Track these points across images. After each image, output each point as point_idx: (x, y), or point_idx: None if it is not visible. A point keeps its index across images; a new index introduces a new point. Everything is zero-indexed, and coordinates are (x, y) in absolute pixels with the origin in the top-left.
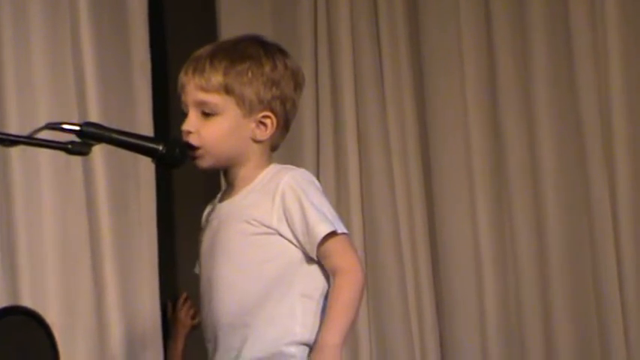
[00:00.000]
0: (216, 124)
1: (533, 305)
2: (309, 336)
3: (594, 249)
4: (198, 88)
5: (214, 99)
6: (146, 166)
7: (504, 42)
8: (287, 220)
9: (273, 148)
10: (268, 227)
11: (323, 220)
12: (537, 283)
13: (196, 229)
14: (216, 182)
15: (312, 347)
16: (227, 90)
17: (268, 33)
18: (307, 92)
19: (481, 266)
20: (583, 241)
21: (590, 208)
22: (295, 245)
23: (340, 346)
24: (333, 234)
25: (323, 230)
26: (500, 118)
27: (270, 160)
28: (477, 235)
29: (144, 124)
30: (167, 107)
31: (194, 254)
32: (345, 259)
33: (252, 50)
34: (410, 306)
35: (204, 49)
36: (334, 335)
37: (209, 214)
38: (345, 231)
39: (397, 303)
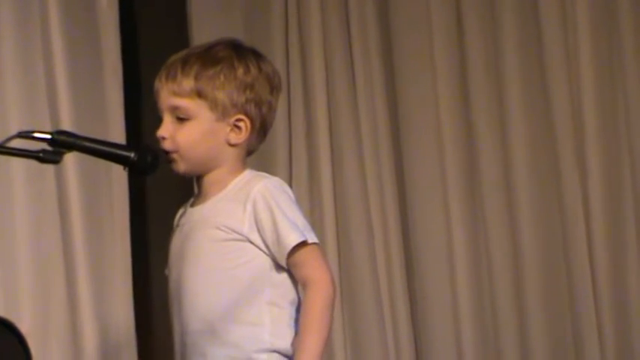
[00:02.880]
0: (190, 128)
1: (508, 311)
2: (279, 343)
3: (567, 253)
4: (171, 94)
5: (186, 104)
6: (119, 174)
7: (476, 48)
8: (258, 229)
9: (250, 152)
10: (239, 234)
11: (293, 229)
12: (512, 289)
13: (170, 237)
14: (190, 189)
15: (283, 354)
16: (199, 94)
17: (240, 39)
18: (280, 98)
19: (455, 273)
20: (557, 246)
21: (564, 212)
22: (265, 253)
23: None
24: (303, 244)
25: (293, 240)
26: (472, 125)
27: (244, 166)
28: (451, 242)
29: (116, 131)
30: (139, 114)
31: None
32: (315, 269)
33: (225, 54)
34: (385, 314)
35: (178, 55)
36: (309, 356)
37: (180, 217)
38: (315, 241)
39: (372, 311)
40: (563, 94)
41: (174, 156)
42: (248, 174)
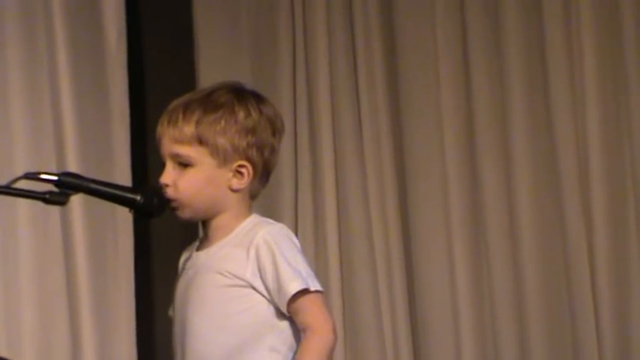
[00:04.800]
0: (191, 175)
1: (511, 349)
2: None
3: (571, 294)
4: (172, 140)
5: (188, 151)
6: (124, 216)
7: (482, 90)
8: (260, 275)
9: (253, 196)
10: (242, 280)
11: (295, 277)
12: (515, 331)
13: (174, 278)
14: (195, 231)
15: None
16: (200, 141)
17: (247, 82)
18: (286, 140)
19: (459, 316)
20: (560, 287)
21: (567, 253)
22: (268, 300)
23: None
24: (305, 291)
25: (294, 288)
26: (477, 166)
27: (249, 210)
28: (454, 284)
29: (122, 174)
30: (145, 156)
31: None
32: (316, 317)
33: (225, 99)
34: (388, 354)
35: (179, 100)
36: None
37: (185, 261)
38: (319, 288)
39: (375, 350)
40: (568, 135)
41: (176, 204)
42: (253, 219)
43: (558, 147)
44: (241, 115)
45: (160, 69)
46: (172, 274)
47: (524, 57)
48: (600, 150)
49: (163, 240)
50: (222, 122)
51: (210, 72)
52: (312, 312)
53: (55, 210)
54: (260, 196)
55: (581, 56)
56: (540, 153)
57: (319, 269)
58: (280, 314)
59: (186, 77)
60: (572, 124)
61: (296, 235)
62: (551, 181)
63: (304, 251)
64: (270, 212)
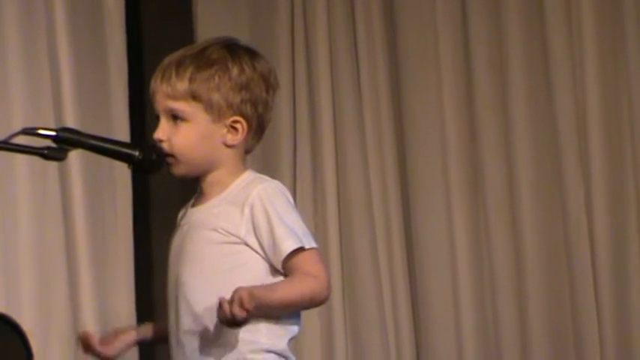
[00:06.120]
0: (186, 131)
1: (510, 319)
2: (275, 344)
3: (570, 260)
4: (166, 96)
5: (182, 106)
6: (122, 172)
7: (481, 55)
8: (255, 233)
9: (247, 151)
10: (236, 237)
11: (290, 235)
12: (514, 297)
13: (171, 237)
14: (193, 188)
15: (279, 354)
16: (194, 96)
17: (245, 40)
18: (284, 99)
19: (457, 279)
20: (559, 254)
21: (567, 220)
22: (262, 257)
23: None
24: (300, 249)
25: (289, 246)
26: (477, 131)
27: (244, 166)
28: (453, 248)
29: (120, 129)
30: (143, 112)
31: None
32: (314, 268)
33: (219, 55)
34: (387, 320)
35: (173, 56)
36: (265, 297)
37: (182, 217)
38: (314, 246)
39: (374, 317)
40: (568, 102)
41: (171, 159)
42: (248, 176)
43: (557, 111)
44: (235, 71)
45: (157, 27)
46: (171, 229)
47: (524, 18)
48: (599, 112)
49: (162, 197)
50: (216, 78)
51: (209, 30)
52: (309, 265)
53: (53, 167)
54: (259, 154)
55: (580, 16)
56: (539, 119)
57: (317, 228)
58: (275, 271)
59: (185, 35)
60: (572, 86)
61: (294, 193)
62: (550, 148)
63: (302, 209)
64: (269, 170)
